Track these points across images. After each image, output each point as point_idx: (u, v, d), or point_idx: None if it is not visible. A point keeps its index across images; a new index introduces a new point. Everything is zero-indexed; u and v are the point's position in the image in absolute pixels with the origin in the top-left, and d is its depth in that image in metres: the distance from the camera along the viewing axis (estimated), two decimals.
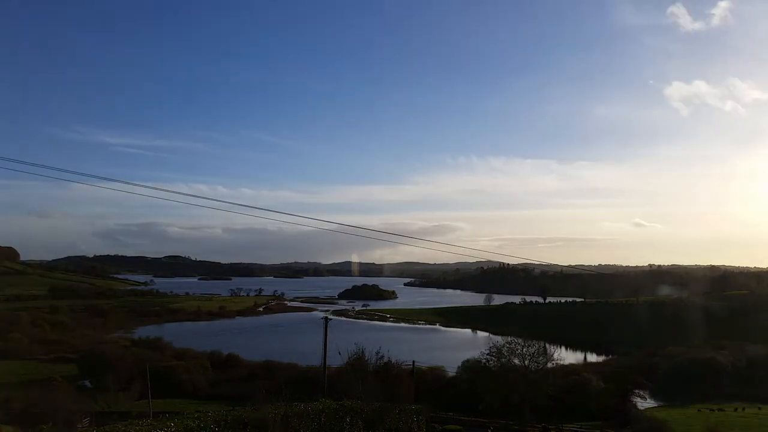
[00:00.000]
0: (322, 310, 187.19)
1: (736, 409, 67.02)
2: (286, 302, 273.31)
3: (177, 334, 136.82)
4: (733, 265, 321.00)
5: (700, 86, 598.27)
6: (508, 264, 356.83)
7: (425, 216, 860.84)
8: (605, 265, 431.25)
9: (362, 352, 54.74)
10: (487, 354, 70.03)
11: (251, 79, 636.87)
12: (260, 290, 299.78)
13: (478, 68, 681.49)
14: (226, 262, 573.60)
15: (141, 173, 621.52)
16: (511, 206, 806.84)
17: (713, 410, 66.33)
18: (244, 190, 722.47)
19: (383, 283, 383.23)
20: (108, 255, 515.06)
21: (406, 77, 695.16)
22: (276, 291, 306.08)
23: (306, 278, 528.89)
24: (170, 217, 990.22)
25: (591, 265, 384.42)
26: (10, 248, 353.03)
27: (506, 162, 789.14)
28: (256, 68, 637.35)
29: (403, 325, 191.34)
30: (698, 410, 66.76)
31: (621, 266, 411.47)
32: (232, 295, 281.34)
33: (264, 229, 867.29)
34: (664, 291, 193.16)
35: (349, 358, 54.35)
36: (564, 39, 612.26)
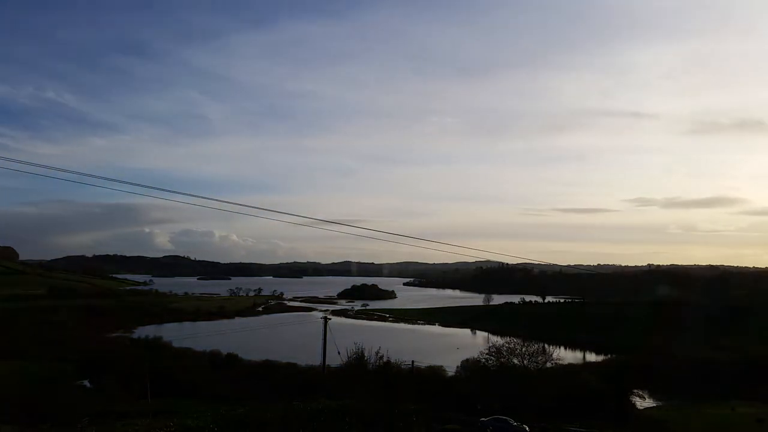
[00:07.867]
0: (321, 310, 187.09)
1: (733, 409, 66.99)
2: (285, 302, 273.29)
3: (177, 334, 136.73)
4: (733, 265, 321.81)
5: None
6: (507, 264, 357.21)
7: None
8: (605, 264, 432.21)
9: (362, 352, 54.86)
10: (487, 354, 70.27)
11: None
12: (259, 290, 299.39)
13: None
14: (225, 262, 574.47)
15: None
16: None
17: (713, 410, 66.32)
18: None
19: (382, 282, 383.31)
20: (107, 255, 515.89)
21: None
22: (275, 291, 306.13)
23: (305, 278, 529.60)
24: None
25: (590, 265, 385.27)
26: (8, 248, 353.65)
27: None
28: None
29: (402, 324, 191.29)
30: (698, 410, 66.76)
31: (621, 266, 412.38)
32: (231, 295, 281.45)
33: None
34: (664, 291, 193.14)
35: (348, 358, 54.44)
36: None
